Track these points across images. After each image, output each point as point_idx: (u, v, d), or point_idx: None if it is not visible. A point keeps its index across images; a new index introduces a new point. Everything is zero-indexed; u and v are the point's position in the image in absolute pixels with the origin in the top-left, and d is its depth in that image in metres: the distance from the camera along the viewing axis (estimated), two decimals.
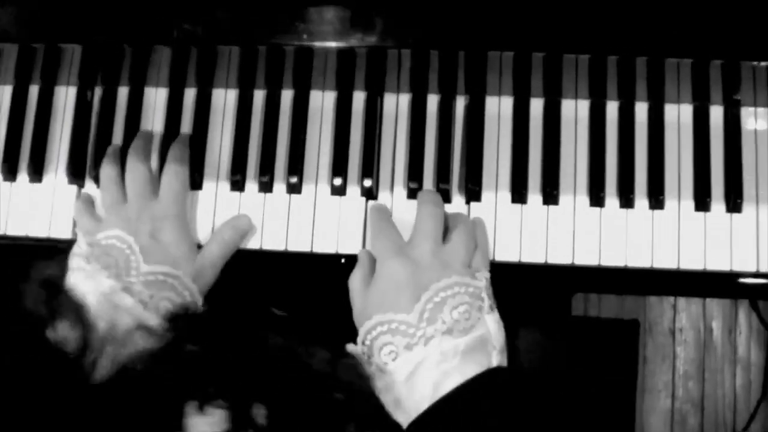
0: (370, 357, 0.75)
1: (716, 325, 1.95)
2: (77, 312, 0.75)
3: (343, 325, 0.81)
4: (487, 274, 0.79)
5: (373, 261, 0.83)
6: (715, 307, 1.95)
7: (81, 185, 0.93)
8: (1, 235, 0.92)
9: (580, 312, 1.87)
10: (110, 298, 0.77)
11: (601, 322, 1.82)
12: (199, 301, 0.83)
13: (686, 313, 1.91)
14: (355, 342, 0.77)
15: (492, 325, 0.75)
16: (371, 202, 0.88)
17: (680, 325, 1.91)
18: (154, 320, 0.78)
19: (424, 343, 0.72)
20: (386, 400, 0.74)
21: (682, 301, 1.91)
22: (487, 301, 0.76)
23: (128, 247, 0.81)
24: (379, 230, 0.84)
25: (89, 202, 0.91)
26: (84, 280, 0.79)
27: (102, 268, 0.79)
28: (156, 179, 0.89)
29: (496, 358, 0.74)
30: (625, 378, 1.54)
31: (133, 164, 0.88)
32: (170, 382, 0.77)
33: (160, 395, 0.77)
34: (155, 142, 0.93)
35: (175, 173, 0.87)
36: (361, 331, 0.76)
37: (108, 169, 0.89)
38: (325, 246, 0.87)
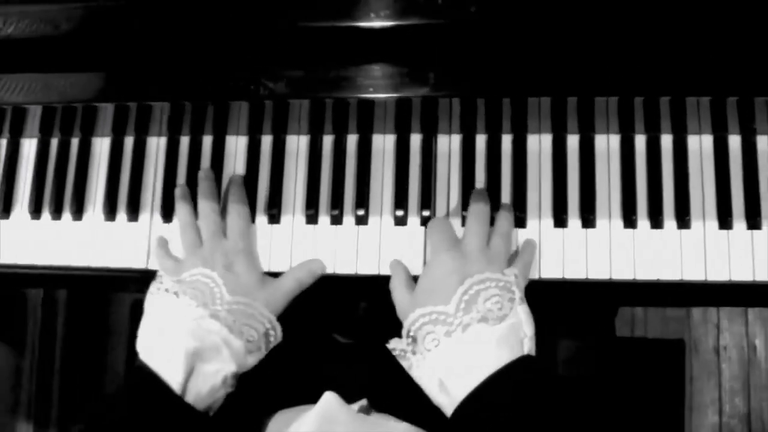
0: (414, 346, 0.85)
1: (759, 343, 1.99)
2: None
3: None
4: (516, 271, 0.88)
5: (404, 267, 0.95)
6: (758, 325, 1.98)
7: (170, 221, 1.04)
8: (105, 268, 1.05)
9: (627, 333, 1.91)
10: (200, 323, 0.88)
11: (648, 343, 1.85)
12: (278, 328, 0.94)
13: (729, 332, 1.93)
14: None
15: (523, 315, 0.84)
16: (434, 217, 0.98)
17: (724, 343, 1.93)
18: (237, 342, 0.89)
19: (462, 330, 0.82)
20: (427, 385, 0.84)
21: (725, 321, 1.93)
22: (518, 294, 0.85)
23: (212, 281, 0.92)
24: (437, 226, 0.94)
25: (165, 245, 1.03)
26: (175, 310, 0.90)
27: (190, 299, 0.90)
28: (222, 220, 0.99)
29: (527, 344, 0.83)
30: (672, 396, 1.57)
31: (204, 210, 1.00)
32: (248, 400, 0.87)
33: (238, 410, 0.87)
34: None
35: (237, 213, 0.99)
36: (406, 323, 0.87)
37: (182, 215, 1.01)
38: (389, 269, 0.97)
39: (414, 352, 0.85)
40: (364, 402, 0.89)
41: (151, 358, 0.87)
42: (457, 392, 0.80)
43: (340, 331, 1.38)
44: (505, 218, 0.94)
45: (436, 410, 0.84)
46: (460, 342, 0.82)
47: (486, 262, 0.87)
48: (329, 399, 0.83)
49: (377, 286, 0.98)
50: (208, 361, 0.87)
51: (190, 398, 0.85)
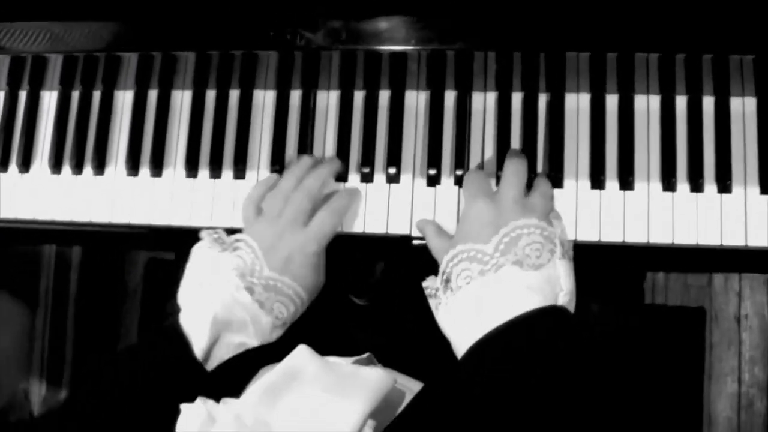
0: (448, 284, 0.84)
1: None
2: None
3: None
4: (563, 225, 0.86)
5: (431, 221, 0.94)
6: None
7: (195, 176, 1.02)
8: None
9: (648, 300, 1.90)
10: (233, 295, 0.87)
11: (669, 310, 1.85)
12: (306, 306, 0.93)
13: (750, 300, 1.93)
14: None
15: (562, 269, 0.82)
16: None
17: (745, 312, 1.92)
18: (265, 318, 0.88)
19: (495, 270, 0.81)
20: (450, 327, 0.83)
21: (746, 289, 1.93)
22: (560, 248, 0.83)
23: (253, 252, 0.90)
24: (472, 176, 0.92)
25: (266, 188, 0.96)
26: (216, 272, 0.89)
27: (232, 268, 0.88)
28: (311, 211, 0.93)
29: (562, 299, 0.81)
30: (692, 364, 1.57)
31: (302, 194, 0.93)
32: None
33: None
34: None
35: (331, 216, 0.93)
36: (444, 260, 0.85)
37: (287, 181, 0.95)
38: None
39: (445, 290, 0.84)
40: (365, 355, 0.87)
41: (185, 313, 0.87)
42: (477, 333, 0.79)
43: (356, 292, 1.37)
44: (543, 179, 0.92)
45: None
46: (490, 281, 0.80)
47: (523, 211, 0.85)
48: (299, 351, 0.77)
49: (406, 247, 0.96)
50: (233, 332, 0.87)
51: (213, 363, 0.85)
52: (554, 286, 0.81)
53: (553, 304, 0.80)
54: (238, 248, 0.90)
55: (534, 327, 0.78)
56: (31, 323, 1.88)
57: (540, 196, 0.88)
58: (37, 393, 1.89)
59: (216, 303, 0.86)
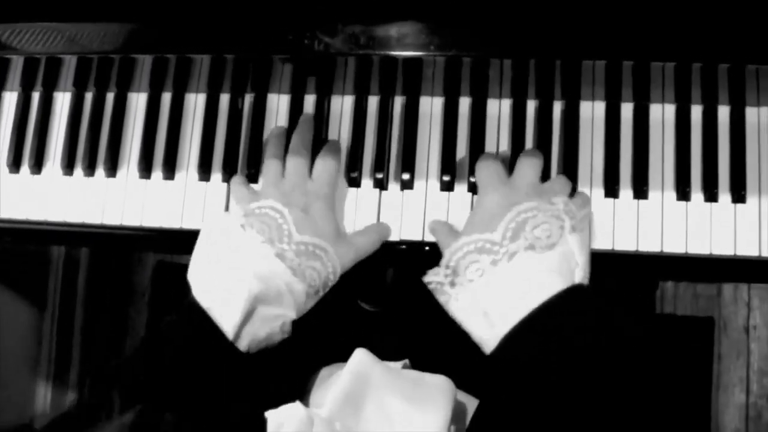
0: (454, 278, 0.82)
1: None
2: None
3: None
4: (566, 199, 0.85)
5: (444, 221, 0.93)
6: None
7: (207, 180, 1.02)
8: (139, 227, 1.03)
9: (656, 309, 1.87)
10: (265, 263, 0.84)
11: (678, 320, 1.84)
12: (338, 273, 0.90)
13: (759, 310, 1.92)
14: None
15: (574, 244, 0.81)
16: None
17: (754, 323, 1.92)
18: (300, 286, 0.86)
19: (508, 259, 0.80)
20: (468, 318, 0.82)
21: (756, 299, 1.92)
22: (569, 222, 0.82)
23: (281, 216, 0.88)
24: (486, 165, 0.90)
25: (246, 181, 0.99)
26: (239, 244, 0.86)
27: (257, 233, 0.86)
28: (310, 165, 0.95)
29: (578, 274, 0.80)
30: (700, 374, 1.56)
31: (296, 146, 0.95)
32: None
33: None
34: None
35: (331, 159, 0.94)
36: (447, 252, 0.84)
37: (271, 148, 0.97)
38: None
39: (453, 284, 0.82)
40: (406, 361, 0.86)
41: (205, 294, 0.83)
42: (504, 323, 0.78)
43: (366, 298, 1.37)
44: (559, 178, 0.91)
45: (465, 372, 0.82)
46: (506, 272, 0.79)
47: (536, 194, 0.84)
48: (361, 355, 0.78)
49: (419, 253, 0.96)
50: (269, 305, 0.84)
51: (243, 342, 0.82)
52: (570, 261, 0.80)
53: (571, 281, 0.79)
54: (263, 214, 0.88)
55: (564, 312, 0.78)
56: (39, 324, 1.88)
57: (558, 180, 0.88)
58: (44, 394, 1.89)
59: (248, 276, 0.82)
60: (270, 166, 0.95)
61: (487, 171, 0.89)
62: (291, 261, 0.85)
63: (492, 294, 0.79)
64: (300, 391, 0.85)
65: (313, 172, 0.94)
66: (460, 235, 0.85)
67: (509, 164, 0.95)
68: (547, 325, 0.76)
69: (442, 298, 0.84)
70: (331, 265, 0.89)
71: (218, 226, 0.89)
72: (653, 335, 0.79)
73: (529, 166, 0.88)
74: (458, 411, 0.76)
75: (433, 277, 0.85)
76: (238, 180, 0.98)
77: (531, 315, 0.76)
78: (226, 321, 0.80)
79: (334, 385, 0.75)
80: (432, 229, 0.94)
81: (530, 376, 0.77)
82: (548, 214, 0.82)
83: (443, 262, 0.84)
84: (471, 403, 0.81)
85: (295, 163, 0.94)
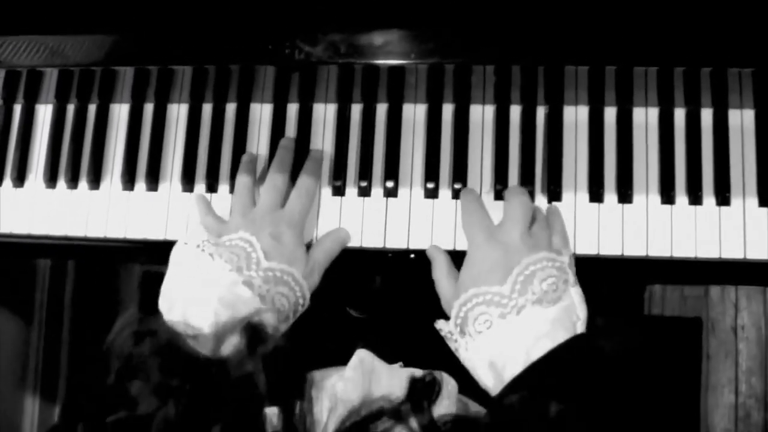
0: (464, 328, 0.83)
1: None
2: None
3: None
4: (571, 251, 0.87)
5: (444, 253, 0.92)
6: None
7: (191, 191, 1.01)
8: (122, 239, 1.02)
9: (645, 311, 1.87)
10: (232, 290, 0.84)
11: (666, 321, 1.84)
12: (307, 297, 0.91)
13: (747, 311, 1.92)
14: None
15: (576, 297, 0.83)
16: (464, 189, 0.95)
17: (742, 323, 1.92)
18: (268, 314, 0.85)
19: (517, 312, 0.80)
20: (476, 368, 0.83)
21: (743, 299, 1.92)
22: (572, 277, 0.84)
23: (250, 246, 0.88)
24: (471, 213, 0.91)
25: (207, 201, 0.99)
26: (207, 272, 0.86)
27: (225, 262, 0.86)
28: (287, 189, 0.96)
29: (580, 327, 0.81)
30: (689, 374, 1.56)
31: (273, 175, 0.95)
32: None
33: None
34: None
35: (306, 188, 0.95)
36: (456, 305, 0.85)
37: (244, 178, 0.97)
38: (420, 243, 0.95)
39: (462, 334, 0.84)
40: (401, 363, 0.87)
41: (176, 320, 0.83)
42: (509, 373, 0.79)
43: (353, 305, 1.37)
44: (553, 211, 0.93)
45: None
46: (514, 324, 0.80)
47: (530, 248, 0.85)
48: (365, 354, 0.82)
49: (405, 261, 0.96)
50: (236, 333, 0.83)
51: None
52: (571, 315, 0.81)
53: (573, 333, 0.81)
54: (233, 246, 0.89)
55: (566, 361, 0.79)
56: (26, 337, 1.86)
57: (539, 225, 0.89)
58: (32, 406, 1.88)
59: (215, 304, 0.83)
60: (241, 195, 0.96)
61: (473, 220, 0.90)
62: (259, 288, 0.86)
63: (500, 346, 0.81)
64: (299, 392, 0.85)
65: (290, 198, 0.94)
66: (466, 286, 0.85)
67: (494, 178, 0.96)
68: (546, 376, 0.78)
69: (452, 345, 0.86)
70: (299, 289, 0.89)
71: (187, 256, 0.89)
72: (651, 377, 0.81)
73: (516, 209, 0.88)
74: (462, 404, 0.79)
75: (443, 326, 0.87)
76: (202, 208, 0.99)
77: (534, 364, 0.78)
78: (201, 347, 0.81)
79: (336, 376, 0.78)
80: (431, 255, 0.94)
81: (530, 421, 0.77)
82: (557, 266, 0.83)
83: (453, 312, 0.85)
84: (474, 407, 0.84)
85: (269, 191, 0.94)
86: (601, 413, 0.77)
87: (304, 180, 0.95)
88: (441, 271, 0.91)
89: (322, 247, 0.95)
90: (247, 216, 0.92)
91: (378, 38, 0.88)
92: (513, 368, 0.79)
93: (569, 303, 0.82)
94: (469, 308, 0.83)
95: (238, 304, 0.84)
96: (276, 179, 0.95)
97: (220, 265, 0.86)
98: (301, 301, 0.90)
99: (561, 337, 0.79)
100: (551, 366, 0.78)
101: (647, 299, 1.88)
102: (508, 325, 0.80)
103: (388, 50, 0.88)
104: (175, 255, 0.90)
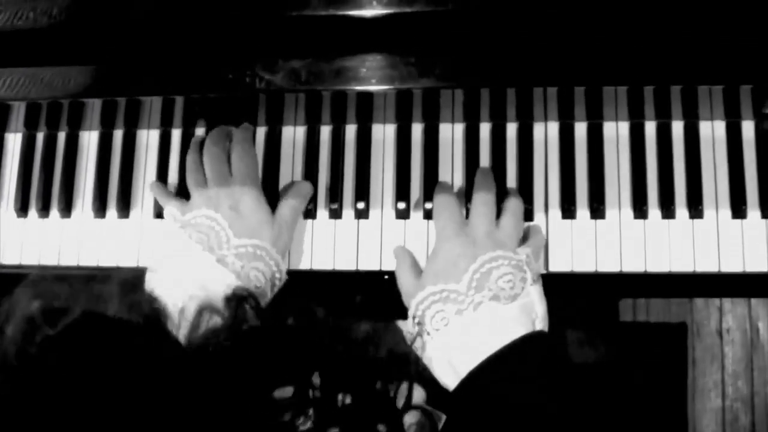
0: (421, 326, 0.83)
1: (762, 325, 1.98)
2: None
3: None
4: (528, 251, 0.85)
5: (410, 252, 0.92)
6: (761, 307, 1.96)
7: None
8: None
9: (629, 318, 1.90)
10: (206, 270, 0.85)
11: (651, 327, 1.84)
12: (284, 270, 0.91)
13: (732, 314, 1.92)
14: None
15: (535, 295, 0.83)
16: (440, 182, 0.95)
17: (727, 326, 1.92)
18: (245, 289, 0.83)
19: (474, 309, 0.80)
20: (434, 366, 0.82)
21: (727, 303, 1.92)
22: (530, 274, 0.83)
23: (216, 223, 0.88)
24: (444, 207, 0.90)
25: (165, 187, 1.00)
26: (181, 254, 0.86)
27: (196, 243, 0.86)
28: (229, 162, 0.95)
29: (539, 324, 0.81)
30: (676, 379, 1.56)
31: (209, 149, 0.95)
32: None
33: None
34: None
35: (243, 151, 0.95)
36: (413, 303, 0.84)
37: (191, 156, 0.97)
38: (393, 265, 0.94)
39: (421, 333, 0.83)
40: None
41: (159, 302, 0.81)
42: (466, 368, 0.79)
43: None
44: (514, 200, 0.91)
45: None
46: (471, 320, 0.80)
47: (494, 245, 0.84)
48: None
49: (377, 282, 0.95)
50: (214, 315, 0.79)
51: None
52: (530, 313, 0.81)
53: (531, 329, 0.80)
54: (199, 224, 0.89)
55: (523, 354, 0.79)
56: None
57: (510, 219, 0.88)
58: None
59: (190, 285, 0.82)
60: (191, 174, 0.95)
61: (444, 215, 0.89)
62: (233, 265, 0.86)
63: (456, 342, 0.80)
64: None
65: (232, 167, 0.94)
66: (424, 283, 0.85)
67: (465, 192, 0.95)
68: (501, 371, 0.78)
69: (415, 345, 0.85)
70: (274, 263, 0.89)
71: (163, 241, 0.90)
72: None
73: (483, 205, 0.88)
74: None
75: (404, 327, 0.86)
76: (161, 193, 0.98)
77: (489, 359, 0.78)
78: (179, 332, 0.78)
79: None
80: (396, 255, 0.93)
81: (488, 415, 0.77)
82: (512, 264, 0.83)
83: (410, 312, 0.85)
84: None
85: (212, 165, 0.94)
86: (558, 407, 0.76)
87: (238, 145, 0.95)
88: (403, 267, 0.91)
89: (287, 203, 0.93)
90: (203, 193, 0.92)
91: (340, 64, 0.87)
92: (470, 364, 0.79)
93: (527, 300, 0.82)
94: (426, 306, 0.83)
95: (214, 284, 0.83)
96: (213, 151, 0.95)
97: (190, 246, 0.86)
98: (278, 275, 0.90)
99: (518, 332, 0.79)
100: (506, 360, 0.78)
101: (631, 306, 1.88)
102: (465, 321, 0.80)
103: (352, 76, 0.87)
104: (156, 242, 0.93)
